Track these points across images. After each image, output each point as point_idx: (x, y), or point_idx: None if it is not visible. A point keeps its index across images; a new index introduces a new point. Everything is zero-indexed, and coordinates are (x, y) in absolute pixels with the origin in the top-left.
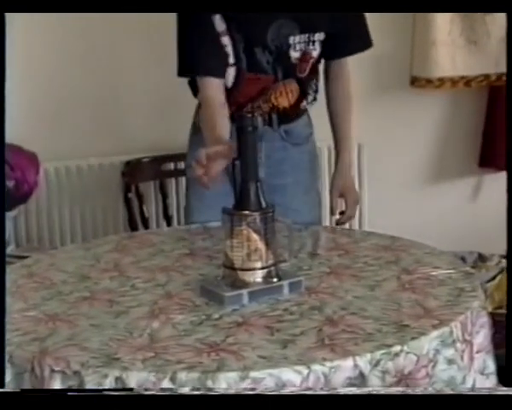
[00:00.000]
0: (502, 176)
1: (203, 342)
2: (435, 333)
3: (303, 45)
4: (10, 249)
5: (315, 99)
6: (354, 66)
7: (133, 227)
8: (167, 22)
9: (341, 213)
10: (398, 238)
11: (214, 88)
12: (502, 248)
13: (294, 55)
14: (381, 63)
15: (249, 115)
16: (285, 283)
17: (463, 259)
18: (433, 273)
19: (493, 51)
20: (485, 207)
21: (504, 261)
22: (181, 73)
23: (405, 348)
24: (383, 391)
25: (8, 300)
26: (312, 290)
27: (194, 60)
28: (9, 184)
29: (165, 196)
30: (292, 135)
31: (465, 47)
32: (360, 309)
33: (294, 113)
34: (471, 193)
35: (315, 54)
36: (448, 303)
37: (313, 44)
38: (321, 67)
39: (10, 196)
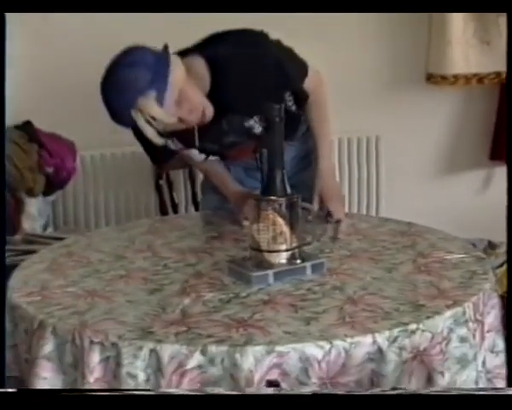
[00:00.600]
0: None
1: (231, 318)
2: (449, 313)
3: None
4: (49, 231)
5: None
6: (372, 59)
7: (164, 212)
8: None
9: (329, 214)
10: (414, 224)
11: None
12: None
13: (257, 131)
14: (399, 61)
15: (277, 106)
16: (308, 264)
17: (474, 245)
18: (447, 257)
19: (504, 51)
20: (496, 197)
21: None
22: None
23: (421, 326)
24: (384, 392)
25: (49, 276)
26: (333, 272)
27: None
28: (49, 170)
29: (193, 184)
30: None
31: (478, 46)
32: (378, 290)
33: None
34: (482, 184)
35: (294, 108)
36: (461, 285)
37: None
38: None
39: (50, 182)
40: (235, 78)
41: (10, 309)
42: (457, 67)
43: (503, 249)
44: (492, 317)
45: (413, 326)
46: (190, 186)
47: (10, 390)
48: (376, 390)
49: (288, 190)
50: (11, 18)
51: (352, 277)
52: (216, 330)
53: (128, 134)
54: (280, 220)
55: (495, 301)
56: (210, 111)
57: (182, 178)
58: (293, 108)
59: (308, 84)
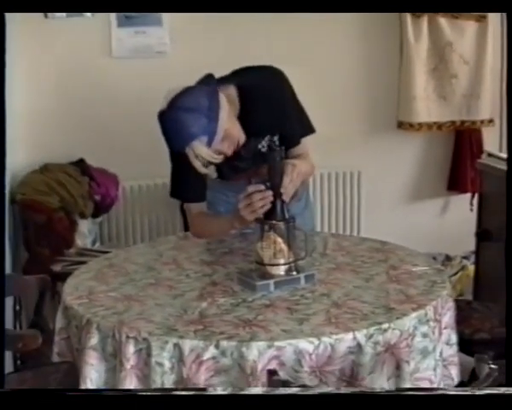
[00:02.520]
0: (464, 197)
1: (240, 318)
2: (414, 314)
3: (268, 142)
4: (96, 246)
5: None
6: (356, 111)
7: (187, 230)
8: None
9: None
10: (387, 243)
11: (196, 208)
12: (462, 250)
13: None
14: (376, 111)
15: (278, 148)
16: (302, 275)
17: (435, 258)
18: (414, 269)
19: (457, 104)
20: (451, 220)
21: (465, 261)
22: (172, 196)
23: (392, 325)
24: (383, 391)
25: (95, 283)
26: (322, 281)
27: (180, 190)
28: (97, 197)
29: None
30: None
31: (437, 100)
32: (358, 296)
33: None
34: (441, 209)
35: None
36: (424, 292)
37: (274, 145)
38: None
39: (97, 207)
40: (260, 104)
41: (64, 309)
42: (421, 117)
43: (457, 261)
44: (448, 316)
45: (386, 325)
46: None
47: (10, 390)
48: (376, 390)
49: (286, 215)
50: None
51: (337, 285)
52: (227, 328)
53: (159, 168)
54: (279, 240)
55: (450, 304)
56: (243, 140)
57: None
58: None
59: (303, 144)
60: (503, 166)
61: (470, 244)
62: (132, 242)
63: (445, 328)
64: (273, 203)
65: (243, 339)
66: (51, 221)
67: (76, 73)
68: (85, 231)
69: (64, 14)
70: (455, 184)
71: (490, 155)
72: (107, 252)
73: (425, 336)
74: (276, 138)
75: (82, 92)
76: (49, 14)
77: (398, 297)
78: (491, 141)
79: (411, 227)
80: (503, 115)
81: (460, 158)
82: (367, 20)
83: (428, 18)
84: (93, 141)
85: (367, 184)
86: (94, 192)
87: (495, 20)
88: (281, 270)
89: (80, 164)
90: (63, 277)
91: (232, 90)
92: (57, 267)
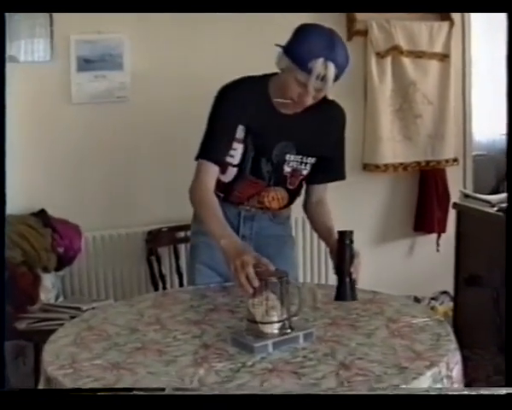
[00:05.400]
0: (431, 237)
1: (245, 387)
2: (429, 373)
3: (295, 164)
4: (60, 300)
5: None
6: None
7: (154, 282)
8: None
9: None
10: (377, 292)
11: (210, 173)
12: (431, 291)
13: (287, 169)
14: None
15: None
16: (301, 333)
17: None
18: (414, 322)
19: (422, 144)
20: (419, 260)
21: (433, 302)
22: (199, 156)
23: (409, 386)
24: (383, 392)
25: (76, 350)
26: (321, 339)
27: (207, 148)
28: (60, 250)
29: (177, 258)
30: (277, 217)
31: (402, 141)
32: (364, 354)
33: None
34: (408, 250)
35: (305, 172)
36: (432, 347)
37: (305, 165)
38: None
39: (60, 260)
40: (316, 124)
41: (47, 380)
42: (387, 158)
43: (425, 303)
44: (456, 370)
45: (403, 387)
46: (175, 260)
47: (10, 390)
48: (376, 391)
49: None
50: None
51: (338, 343)
52: None
53: (123, 218)
54: (272, 296)
55: (458, 357)
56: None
57: (167, 253)
58: (304, 172)
59: (326, 188)
60: (481, 207)
61: (438, 285)
62: (96, 295)
63: (454, 383)
64: (341, 281)
65: None
66: (14, 277)
67: (35, 119)
68: (49, 286)
69: (22, 58)
70: (421, 224)
71: (466, 195)
72: (72, 307)
73: None
74: (310, 160)
75: (41, 140)
76: (7, 58)
77: (406, 354)
78: (455, 179)
79: (379, 269)
80: (467, 154)
81: (426, 198)
82: None
83: (392, 58)
84: (54, 190)
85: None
86: (57, 244)
87: (457, 59)
88: (274, 328)
89: (41, 215)
90: (28, 335)
91: None
92: (21, 325)
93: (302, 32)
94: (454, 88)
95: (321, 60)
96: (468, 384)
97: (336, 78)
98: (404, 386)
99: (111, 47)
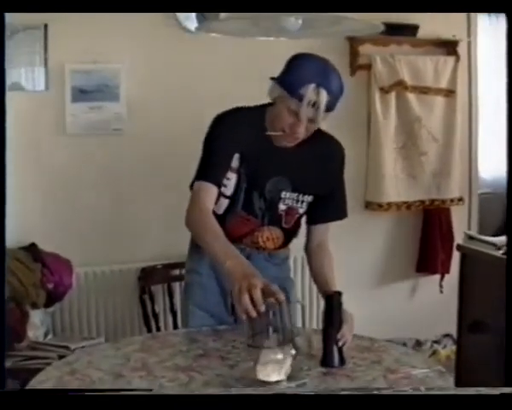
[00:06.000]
0: (433, 278)
1: None
2: None
3: (291, 201)
4: (49, 338)
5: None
6: None
7: (146, 321)
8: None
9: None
10: (376, 340)
11: (209, 194)
12: (433, 334)
13: (282, 207)
14: None
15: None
16: (293, 384)
17: (405, 344)
18: (413, 373)
19: (426, 182)
20: (421, 303)
21: (436, 345)
22: (196, 178)
23: None
24: (383, 392)
25: None
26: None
27: (205, 170)
28: (50, 286)
29: (171, 296)
30: (274, 258)
31: (406, 180)
32: None
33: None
34: (410, 292)
35: (301, 211)
36: None
37: (301, 203)
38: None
39: (50, 296)
40: (315, 161)
41: None
42: (390, 197)
43: (427, 346)
44: None
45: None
46: (168, 298)
47: (10, 390)
48: (376, 391)
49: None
50: None
51: None
52: None
53: (116, 254)
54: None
55: None
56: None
57: (161, 291)
58: (300, 210)
59: (327, 228)
60: (486, 250)
61: (441, 328)
62: (87, 333)
63: None
64: (328, 346)
65: None
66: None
67: (28, 151)
68: (37, 323)
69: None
70: (424, 265)
71: (471, 237)
72: (61, 346)
73: None
74: (307, 198)
75: (34, 170)
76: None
77: None
78: (460, 220)
79: (380, 311)
80: (472, 192)
81: (429, 238)
82: None
83: (397, 93)
84: (45, 223)
85: (336, 267)
86: (47, 280)
87: (463, 95)
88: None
89: (31, 249)
90: (15, 374)
91: None
92: (8, 363)
93: (295, 60)
94: (460, 124)
95: (312, 86)
96: None
97: (330, 107)
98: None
99: (107, 78)
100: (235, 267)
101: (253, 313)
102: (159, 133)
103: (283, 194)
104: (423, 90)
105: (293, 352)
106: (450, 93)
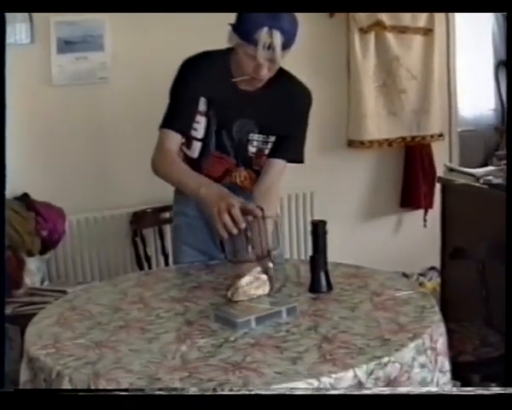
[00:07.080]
0: (418, 213)
1: (226, 362)
2: (412, 344)
3: (259, 143)
4: (45, 284)
5: None
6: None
7: (139, 264)
8: None
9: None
10: (361, 267)
11: (172, 142)
12: (419, 267)
13: (251, 149)
14: (326, 130)
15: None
16: (284, 308)
17: None
18: (398, 294)
19: (407, 119)
20: (406, 236)
21: (422, 278)
22: (162, 126)
23: (392, 358)
24: (382, 392)
25: (59, 330)
26: (305, 313)
27: (171, 119)
28: (44, 233)
29: (162, 239)
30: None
31: (386, 117)
32: (348, 327)
33: None
34: (395, 226)
35: (266, 152)
36: (416, 319)
37: (267, 144)
38: None
39: (44, 243)
40: (280, 104)
41: (29, 361)
42: (372, 134)
43: (414, 279)
44: (440, 343)
45: (386, 359)
46: (160, 241)
47: (10, 390)
48: (376, 391)
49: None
50: None
51: (321, 318)
52: (215, 373)
53: (107, 200)
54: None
55: (442, 329)
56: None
57: (152, 234)
58: (267, 151)
59: (283, 167)
60: (465, 180)
61: (426, 261)
62: (82, 278)
63: (439, 355)
64: (315, 273)
65: (236, 385)
66: None
67: (15, 102)
68: (34, 270)
69: None
70: (408, 200)
71: (451, 169)
72: (57, 291)
73: (423, 366)
74: (271, 138)
75: (23, 123)
76: None
77: (390, 327)
78: (441, 155)
79: (366, 246)
80: (452, 129)
81: (412, 174)
82: (313, 37)
83: (375, 34)
84: (36, 174)
85: (319, 204)
86: (41, 228)
87: (441, 34)
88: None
89: (24, 199)
90: (14, 319)
91: None
92: (7, 310)
93: None
94: (438, 62)
95: (265, 29)
96: (454, 356)
97: (288, 45)
98: (386, 358)
99: (92, 28)
100: (209, 192)
101: (234, 231)
102: (143, 81)
103: (251, 136)
104: (402, 30)
105: (271, 265)
106: (428, 32)
